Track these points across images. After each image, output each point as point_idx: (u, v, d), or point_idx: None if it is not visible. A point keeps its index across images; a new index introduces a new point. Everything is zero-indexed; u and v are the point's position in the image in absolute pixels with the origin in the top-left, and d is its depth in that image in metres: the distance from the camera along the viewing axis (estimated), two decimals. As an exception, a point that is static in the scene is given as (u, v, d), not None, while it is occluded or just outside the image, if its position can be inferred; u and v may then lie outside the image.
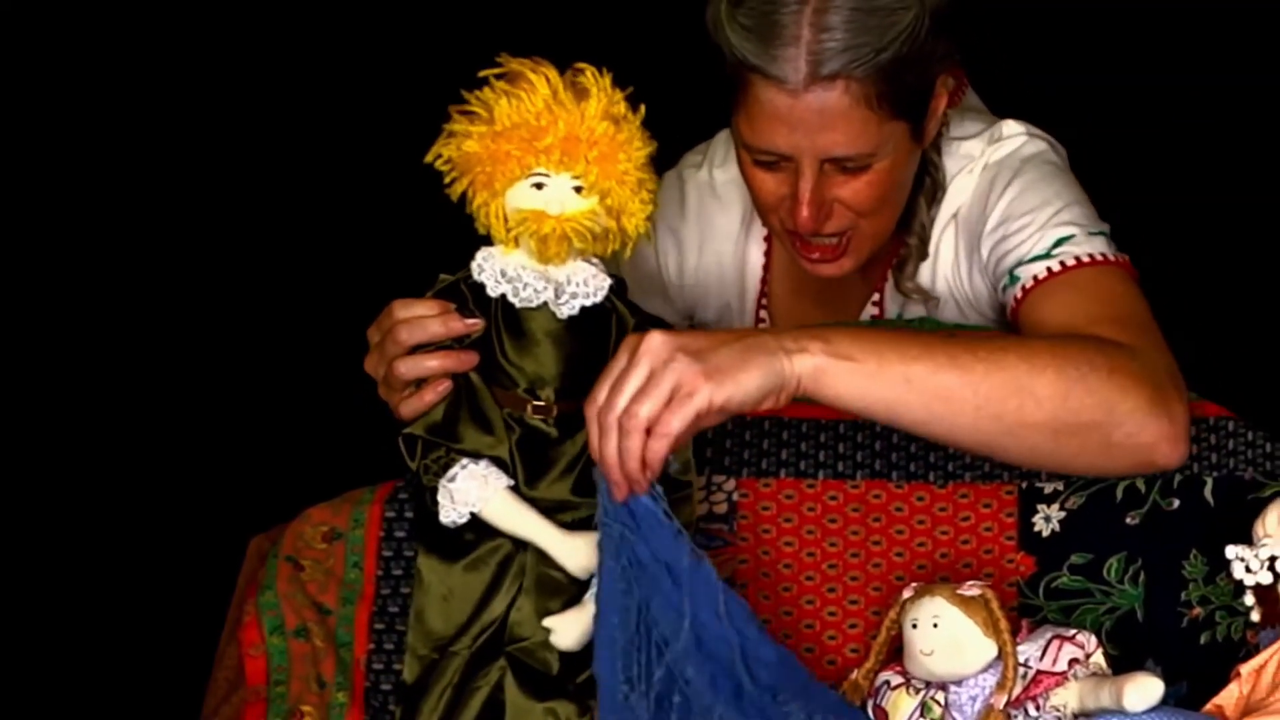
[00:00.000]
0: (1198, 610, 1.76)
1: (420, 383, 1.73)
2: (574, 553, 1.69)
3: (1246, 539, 1.67)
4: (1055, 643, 1.68)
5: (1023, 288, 1.90)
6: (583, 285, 1.73)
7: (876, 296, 2.12)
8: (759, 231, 2.14)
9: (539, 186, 1.69)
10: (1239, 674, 1.64)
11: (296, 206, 3.34)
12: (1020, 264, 1.91)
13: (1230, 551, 1.66)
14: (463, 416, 1.73)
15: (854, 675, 1.74)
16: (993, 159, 2.02)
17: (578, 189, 1.69)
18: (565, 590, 1.71)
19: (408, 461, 1.73)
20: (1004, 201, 1.98)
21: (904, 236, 2.06)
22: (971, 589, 1.69)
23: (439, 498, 1.71)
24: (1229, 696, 1.64)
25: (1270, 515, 1.66)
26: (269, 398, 3.12)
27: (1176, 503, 1.80)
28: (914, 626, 1.69)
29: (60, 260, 3.27)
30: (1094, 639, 1.68)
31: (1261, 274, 3.19)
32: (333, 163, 3.35)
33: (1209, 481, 1.80)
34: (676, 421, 1.60)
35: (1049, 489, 1.84)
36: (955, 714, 1.68)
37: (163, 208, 3.35)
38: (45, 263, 3.26)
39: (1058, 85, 3.24)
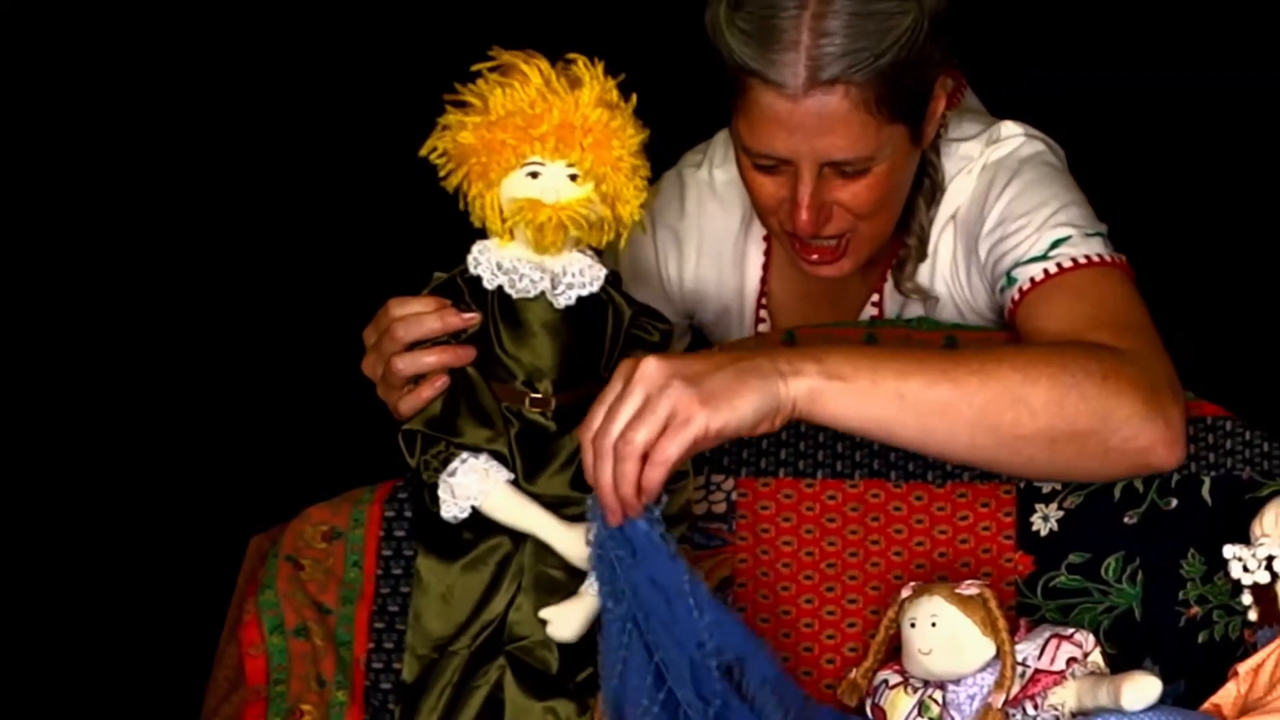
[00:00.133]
0: (1195, 609, 1.76)
1: (418, 379, 1.74)
2: (575, 544, 1.69)
3: (1244, 538, 1.67)
4: (1053, 642, 1.68)
5: (1020, 290, 1.90)
6: (579, 275, 1.74)
7: (876, 297, 2.12)
8: (759, 231, 2.14)
9: (534, 175, 1.70)
10: (1236, 673, 1.64)
11: (296, 207, 3.33)
12: (1017, 265, 1.92)
13: (1228, 551, 1.66)
14: (461, 411, 1.73)
15: (852, 674, 1.74)
16: (991, 160, 2.02)
17: (572, 177, 1.70)
18: (564, 588, 1.71)
19: (407, 458, 1.74)
20: (1001, 203, 1.98)
21: (903, 237, 2.06)
22: (970, 588, 1.69)
23: (440, 493, 1.71)
24: (1226, 695, 1.64)
25: (1268, 515, 1.66)
26: (269, 398, 3.11)
27: (1174, 502, 1.80)
28: (912, 625, 1.69)
29: (60, 260, 3.26)
30: (1092, 638, 1.69)
31: (1260, 274, 3.19)
32: (332, 164, 3.35)
33: (1207, 481, 1.81)
34: (673, 448, 1.61)
35: (1047, 488, 1.84)
36: (953, 713, 1.68)
37: (162, 208, 3.35)
38: (45, 263, 3.26)
39: (1057, 85, 3.24)
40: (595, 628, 1.68)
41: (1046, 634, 1.69)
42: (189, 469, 3.03)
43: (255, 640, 1.79)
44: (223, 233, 3.32)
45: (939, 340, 1.96)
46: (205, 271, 3.27)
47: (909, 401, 1.69)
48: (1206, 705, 1.65)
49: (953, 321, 2.03)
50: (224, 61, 3.48)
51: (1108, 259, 1.90)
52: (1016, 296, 1.90)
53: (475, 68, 1.71)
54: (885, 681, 1.72)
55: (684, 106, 2.06)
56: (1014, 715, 1.67)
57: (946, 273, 2.07)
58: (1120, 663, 1.70)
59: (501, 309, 1.74)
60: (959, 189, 2.04)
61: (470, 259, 1.75)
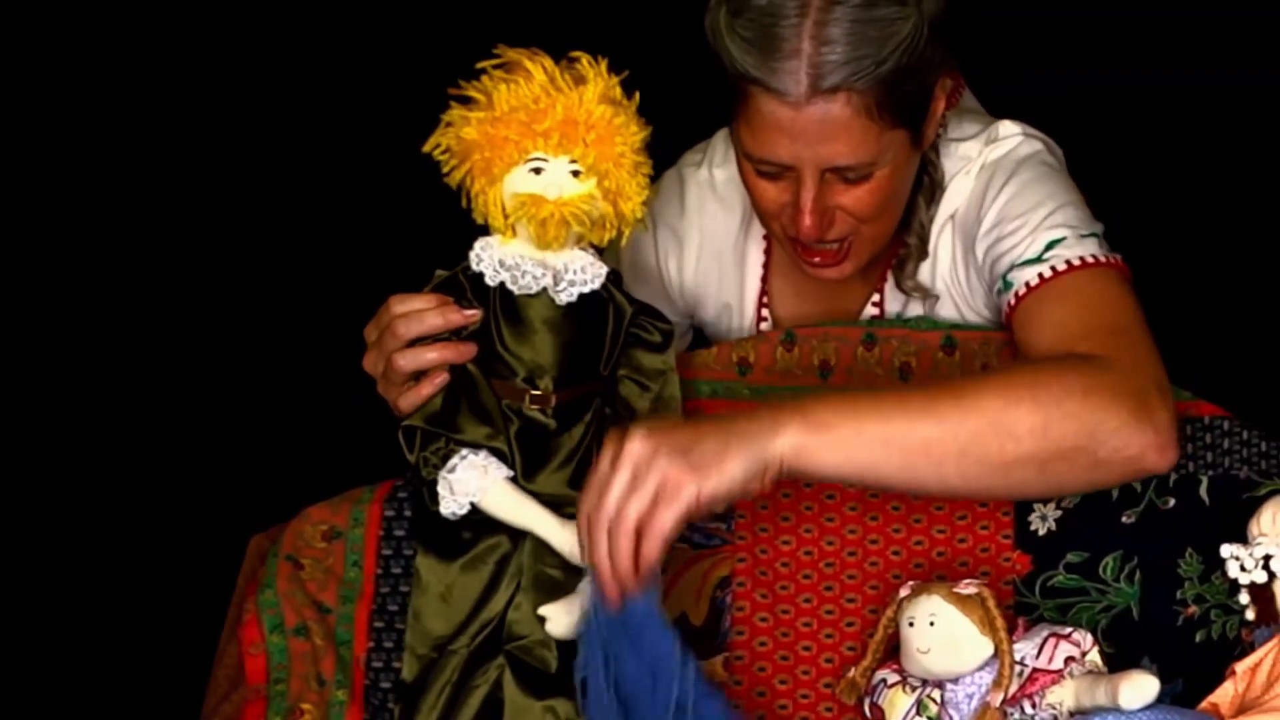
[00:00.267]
0: (1193, 609, 1.76)
1: (419, 376, 1.74)
2: (574, 541, 1.69)
3: (1242, 538, 1.67)
4: (1051, 641, 1.68)
5: (1016, 294, 1.90)
6: (580, 272, 1.74)
7: (876, 295, 2.12)
8: (759, 230, 2.14)
9: (537, 171, 1.71)
10: (1234, 672, 1.65)
11: (297, 205, 3.33)
12: (1013, 268, 1.91)
13: (1225, 550, 1.66)
14: (462, 408, 1.73)
15: (851, 673, 1.75)
16: (989, 159, 2.02)
17: (575, 173, 1.70)
18: (563, 588, 1.71)
19: (406, 454, 1.74)
20: (998, 203, 1.98)
21: (904, 236, 2.06)
22: (968, 587, 1.70)
23: (439, 489, 1.72)
24: (1224, 694, 1.64)
25: (1265, 514, 1.66)
26: (269, 398, 3.11)
27: (1172, 502, 1.80)
28: (911, 624, 1.70)
29: (60, 260, 3.26)
30: (1090, 637, 1.69)
31: (1259, 274, 3.18)
32: (334, 162, 3.35)
33: (1204, 480, 1.81)
34: (667, 518, 1.61)
35: (1046, 488, 1.84)
36: (952, 712, 1.68)
37: (162, 208, 3.35)
38: (45, 263, 3.26)
39: (1057, 85, 3.23)
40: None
41: (1045, 633, 1.69)
42: (189, 469, 3.03)
43: (255, 639, 1.79)
44: (223, 231, 3.32)
45: (938, 340, 1.96)
46: (205, 271, 3.27)
47: (894, 445, 1.69)
48: (1204, 704, 1.65)
49: (952, 321, 2.03)
50: (225, 60, 3.48)
51: (1102, 260, 1.89)
52: (1013, 301, 1.90)
53: (480, 65, 1.71)
54: (884, 680, 1.72)
55: (685, 105, 2.06)
56: (1012, 714, 1.67)
57: (946, 272, 2.07)
58: (1118, 662, 1.70)
59: (503, 305, 1.74)
60: (958, 189, 2.04)
61: (472, 256, 1.75)
